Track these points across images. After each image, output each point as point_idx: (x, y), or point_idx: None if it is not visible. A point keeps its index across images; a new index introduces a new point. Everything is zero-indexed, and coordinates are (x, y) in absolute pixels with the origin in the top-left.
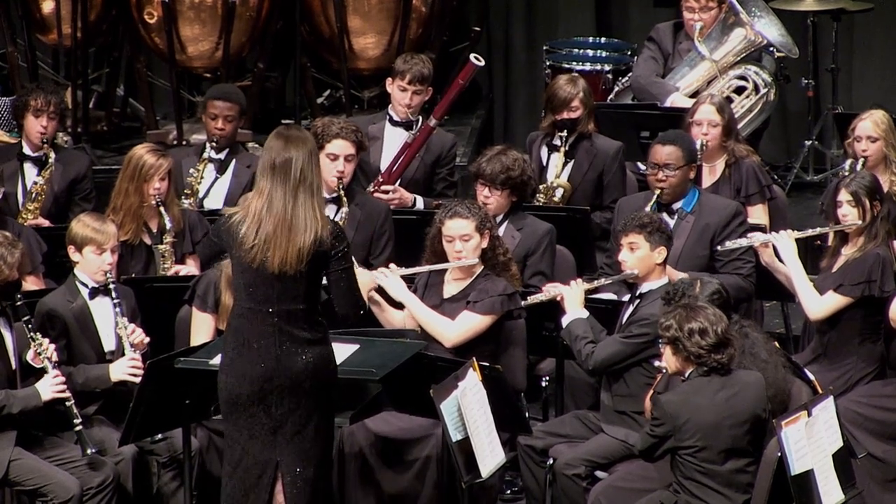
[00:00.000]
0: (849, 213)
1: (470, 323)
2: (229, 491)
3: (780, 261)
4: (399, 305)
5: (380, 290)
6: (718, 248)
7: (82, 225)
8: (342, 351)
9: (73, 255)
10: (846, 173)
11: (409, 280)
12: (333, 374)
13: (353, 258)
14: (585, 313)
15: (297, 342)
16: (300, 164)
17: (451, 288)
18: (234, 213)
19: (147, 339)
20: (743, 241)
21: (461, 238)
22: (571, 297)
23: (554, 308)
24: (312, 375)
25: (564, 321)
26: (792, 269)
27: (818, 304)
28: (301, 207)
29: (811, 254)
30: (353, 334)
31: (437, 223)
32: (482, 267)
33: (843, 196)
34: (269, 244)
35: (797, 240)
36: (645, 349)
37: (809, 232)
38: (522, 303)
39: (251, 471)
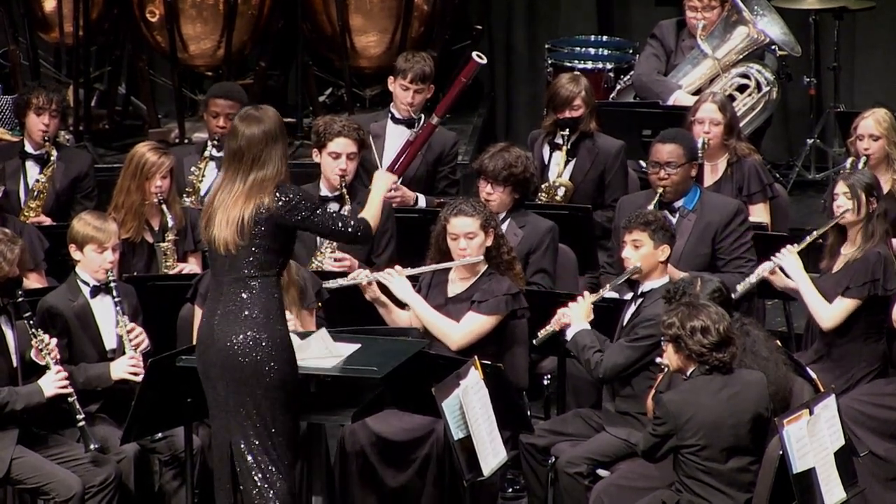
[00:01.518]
0: (843, 205)
1: (475, 324)
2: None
3: (787, 276)
4: (405, 306)
5: (385, 291)
6: (734, 295)
7: (83, 223)
8: (343, 350)
9: (75, 253)
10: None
11: (414, 279)
12: (276, 364)
13: (356, 260)
14: (588, 324)
15: (237, 318)
16: (253, 142)
17: (455, 287)
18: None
19: (146, 344)
20: (753, 279)
21: (465, 236)
22: (577, 311)
23: (556, 305)
24: (243, 355)
25: (569, 333)
26: (800, 284)
27: (829, 312)
28: (249, 183)
29: (812, 253)
30: (354, 332)
31: (442, 221)
32: (486, 266)
33: (840, 188)
34: (214, 223)
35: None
36: (652, 351)
37: (808, 239)
38: (534, 341)
39: (217, 450)
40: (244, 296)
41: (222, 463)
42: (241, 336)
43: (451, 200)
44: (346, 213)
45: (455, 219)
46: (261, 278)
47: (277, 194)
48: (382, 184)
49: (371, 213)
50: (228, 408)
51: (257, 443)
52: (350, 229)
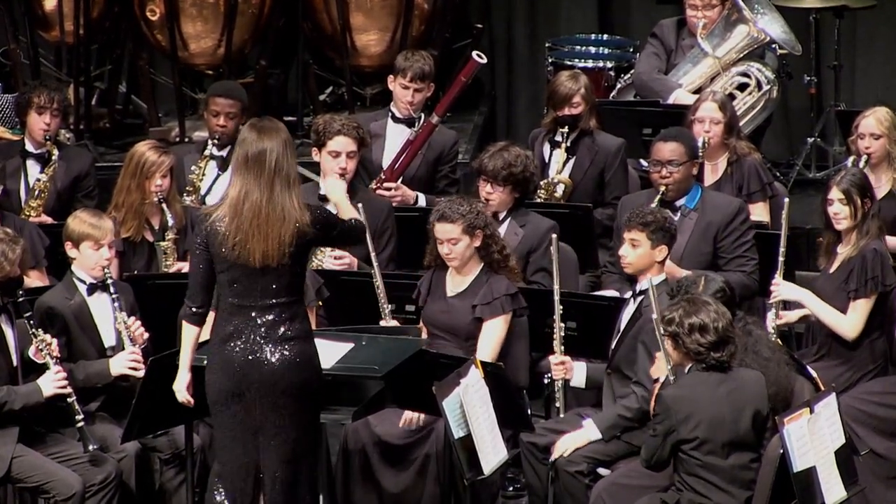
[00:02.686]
0: (840, 212)
1: (494, 332)
2: (221, 491)
3: (789, 307)
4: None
5: None
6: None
7: (79, 221)
8: (339, 349)
9: (71, 251)
10: None
11: (414, 280)
12: (315, 373)
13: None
14: (582, 381)
15: (277, 339)
16: (275, 154)
17: (453, 287)
18: (210, 212)
19: (146, 335)
20: (774, 336)
21: (448, 241)
22: (574, 441)
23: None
24: (290, 373)
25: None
26: (810, 306)
27: (849, 322)
28: (278, 198)
29: (812, 253)
30: (355, 332)
31: (429, 224)
32: (481, 265)
33: (835, 194)
34: (249, 238)
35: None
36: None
37: (781, 259)
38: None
39: (237, 473)
40: (283, 316)
41: (245, 484)
42: (288, 354)
43: (440, 201)
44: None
45: (438, 224)
46: (292, 304)
47: (315, 215)
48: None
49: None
50: (265, 430)
51: (293, 456)
52: (360, 226)
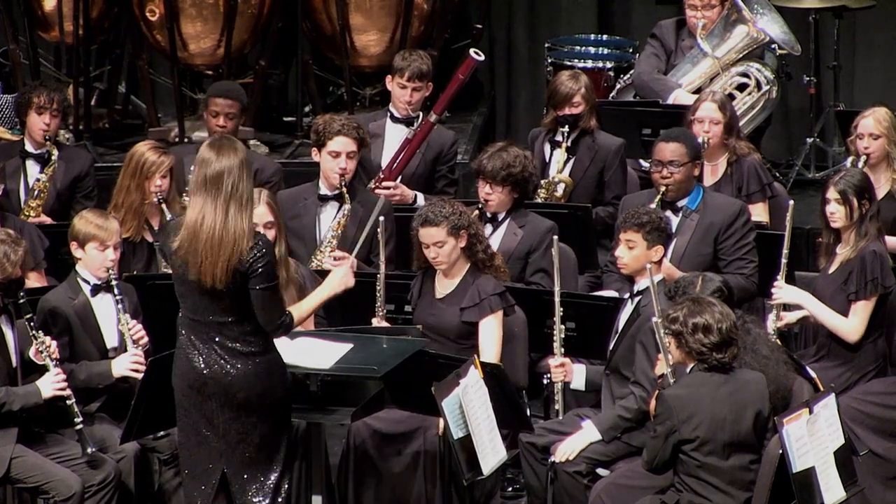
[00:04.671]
0: (836, 211)
1: (493, 331)
2: (183, 497)
3: (789, 309)
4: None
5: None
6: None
7: (85, 221)
8: (338, 349)
9: (76, 251)
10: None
11: (406, 281)
12: (279, 382)
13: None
14: (581, 384)
15: (229, 353)
16: (232, 177)
17: (442, 289)
18: (177, 223)
19: (146, 340)
20: (774, 337)
21: (434, 245)
22: (574, 445)
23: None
24: (247, 387)
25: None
26: (812, 309)
27: (850, 325)
28: (231, 222)
29: (811, 254)
30: (355, 332)
31: (413, 230)
32: (467, 266)
33: (831, 194)
34: (200, 259)
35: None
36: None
37: (784, 261)
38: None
39: (197, 479)
40: (232, 334)
41: (204, 492)
42: (242, 367)
43: (421, 207)
44: (286, 300)
45: (422, 229)
46: (242, 322)
47: (253, 255)
48: (335, 283)
49: (305, 308)
50: (228, 438)
51: (259, 462)
52: (278, 319)
